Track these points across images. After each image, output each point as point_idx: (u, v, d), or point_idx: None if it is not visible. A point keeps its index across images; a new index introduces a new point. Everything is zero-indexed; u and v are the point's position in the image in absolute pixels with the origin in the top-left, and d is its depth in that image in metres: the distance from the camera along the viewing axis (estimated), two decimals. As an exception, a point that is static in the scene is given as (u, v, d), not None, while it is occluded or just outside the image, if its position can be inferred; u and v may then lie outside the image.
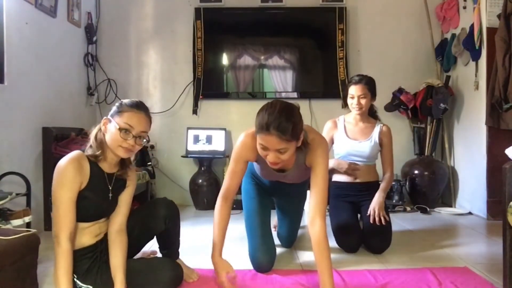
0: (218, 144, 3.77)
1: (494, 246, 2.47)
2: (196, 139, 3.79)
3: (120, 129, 1.56)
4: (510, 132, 3.02)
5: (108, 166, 1.65)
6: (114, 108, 1.64)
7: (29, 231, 1.74)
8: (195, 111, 3.94)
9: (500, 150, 2.10)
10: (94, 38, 3.73)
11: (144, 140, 1.64)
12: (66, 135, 2.99)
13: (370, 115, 2.61)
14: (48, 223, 2.84)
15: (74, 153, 1.60)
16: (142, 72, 3.98)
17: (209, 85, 3.90)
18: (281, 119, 1.57)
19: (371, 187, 2.51)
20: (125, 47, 3.94)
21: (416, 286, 1.83)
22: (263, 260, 2.03)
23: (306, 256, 2.27)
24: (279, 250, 2.40)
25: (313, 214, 1.70)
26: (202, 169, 3.72)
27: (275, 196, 2.34)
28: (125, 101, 1.66)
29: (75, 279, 1.62)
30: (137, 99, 1.68)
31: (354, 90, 2.46)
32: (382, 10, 3.96)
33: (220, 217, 1.82)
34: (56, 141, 2.89)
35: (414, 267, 2.08)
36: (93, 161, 1.61)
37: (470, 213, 3.38)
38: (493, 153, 3.14)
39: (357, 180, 2.53)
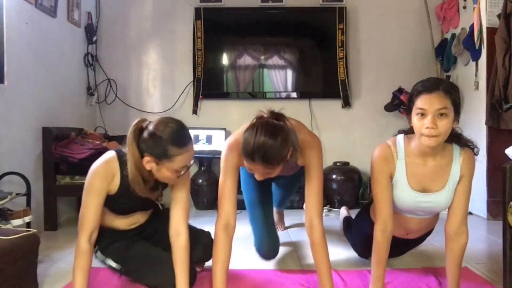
0: (218, 144, 3.77)
1: (494, 246, 2.47)
2: (196, 139, 3.79)
3: (177, 172, 1.52)
4: (510, 132, 3.01)
5: (140, 191, 1.57)
6: (156, 149, 1.46)
7: (29, 231, 1.74)
8: (195, 111, 3.94)
9: (500, 150, 2.09)
10: (94, 38, 3.73)
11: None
12: (66, 135, 3.00)
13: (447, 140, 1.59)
14: (48, 223, 2.85)
15: (108, 159, 1.56)
16: (142, 72, 3.98)
17: (209, 85, 3.90)
18: (266, 148, 1.47)
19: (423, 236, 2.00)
20: (125, 47, 3.94)
21: (416, 286, 1.83)
22: (269, 248, 2.06)
23: (306, 256, 2.27)
24: (279, 250, 2.41)
25: (311, 215, 1.68)
26: (202, 169, 3.72)
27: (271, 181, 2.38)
28: (167, 139, 1.45)
29: (96, 250, 1.70)
30: (177, 127, 1.50)
31: (426, 102, 1.48)
32: (382, 10, 3.96)
33: (222, 253, 1.62)
34: (56, 141, 2.89)
35: (414, 267, 2.08)
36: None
37: (470, 213, 3.36)
38: (493, 153, 3.14)
39: (408, 236, 1.90)
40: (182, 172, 1.54)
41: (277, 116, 1.57)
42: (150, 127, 1.49)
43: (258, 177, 1.61)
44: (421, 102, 1.49)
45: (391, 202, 1.67)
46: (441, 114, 1.47)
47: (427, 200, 1.66)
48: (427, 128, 1.48)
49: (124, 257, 1.72)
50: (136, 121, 1.53)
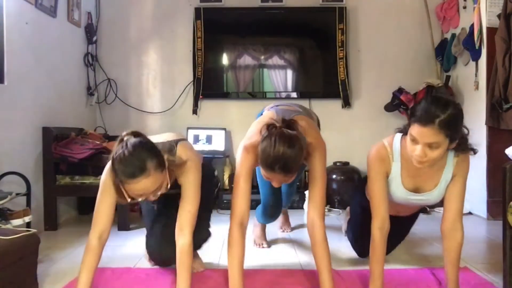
0: (218, 144, 3.77)
1: (494, 246, 2.47)
2: (196, 139, 3.79)
3: (136, 196, 1.49)
4: (510, 132, 3.01)
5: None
6: (113, 168, 1.45)
7: (29, 231, 1.74)
8: (195, 111, 3.94)
9: (500, 150, 2.09)
10: (94, 38, 3.73)
11: (159, 193, 1.52)
12: (66, 135, 2.99)
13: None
14: (48, 223, 2.85)
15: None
16: (142, 72, 3.98)
17: (209, 85, 3.90)
18: (285, 158, 1.54)
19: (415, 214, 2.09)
20: (125, 47, 3.94)
21: (416, 286, 1.83)
22: (274, 204, 2.26)
23: (306, 256, 2.27)
24: (279, 250, 2.41)
25: (313, 215, 1.70)
26: (202, 169, 3.72)
27: None
28: (117, 165, 1.42)
29: None
30: (128, 156, 1.41)
31: (418, 132, 1.47)
32: (382, 10, 3.96)
33: (237, 249, 1.66)
34: (56, 141, 2.89)
35: (414, 267, 2.08)
36: None
37: (470, 213, 3.37)
38: (493, 153, 3.14)
39: (399, 214, 1.97)
40: (141, 199, 1.51)
41: (289, 123, 1.62)
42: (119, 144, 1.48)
43: (275, 184, 1.69)
44: (414, 131, 1.49)
45: (387, 201, 1.72)
46: (434, 147, 1.47)
47: (418, 198, 1.77)
48: (413, 157, 1.53)
49: (150, 224, 1.95)
50: (124, 132, 1.51)
